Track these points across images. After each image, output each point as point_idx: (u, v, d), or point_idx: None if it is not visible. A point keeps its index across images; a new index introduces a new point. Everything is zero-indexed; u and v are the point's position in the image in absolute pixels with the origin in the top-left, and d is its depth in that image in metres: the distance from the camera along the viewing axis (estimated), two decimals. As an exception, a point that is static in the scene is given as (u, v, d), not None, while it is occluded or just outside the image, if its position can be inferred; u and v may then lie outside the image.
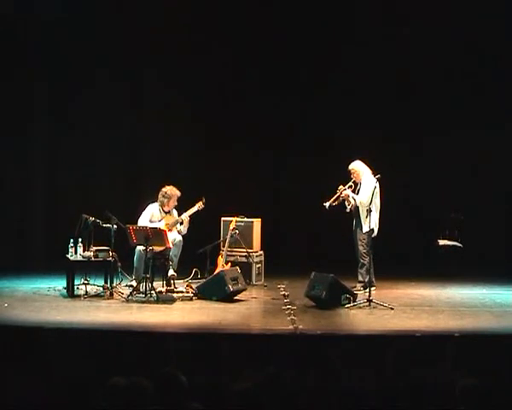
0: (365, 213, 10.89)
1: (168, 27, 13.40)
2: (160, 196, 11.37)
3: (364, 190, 11.09)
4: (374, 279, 11.07)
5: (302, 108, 13.80)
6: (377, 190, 10.87)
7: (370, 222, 10.82)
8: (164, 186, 11.35)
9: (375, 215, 11.01)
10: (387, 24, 13.57)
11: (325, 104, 13.66)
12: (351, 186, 11.24)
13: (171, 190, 11.34)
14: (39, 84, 13.63)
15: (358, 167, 11.27)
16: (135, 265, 11.12)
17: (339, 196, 11.19)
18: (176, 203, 11.41)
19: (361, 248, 11.12)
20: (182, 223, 11.34)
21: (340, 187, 11.19)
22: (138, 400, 5.04)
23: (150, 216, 11.32)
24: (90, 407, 5.23)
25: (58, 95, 13.59)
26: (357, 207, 11.16)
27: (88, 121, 13.64)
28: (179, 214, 11.40)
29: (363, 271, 11.09)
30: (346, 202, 11.24)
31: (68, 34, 13.36)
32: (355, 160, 11.28)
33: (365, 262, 11.04)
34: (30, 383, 5.60)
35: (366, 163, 11.25)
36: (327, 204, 11.15)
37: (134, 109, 13.85)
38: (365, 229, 10.96)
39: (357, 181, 11.26)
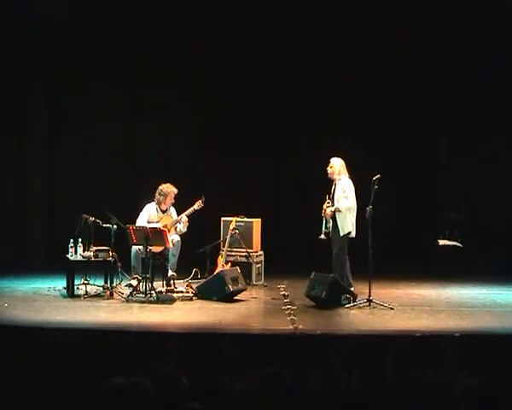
0: (342, 216, 10.67)
1: (167, 28, 13.42)
2: (156, 194, 11.35)
3: (343, 194, 10.73)
4: (352, 281, 10.68)
5: (302, 108, 13.78)
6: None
7: (348, 225, 10.65)
8: (161, 184, 11.35)
9: (353, 217, 10.73)
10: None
11: (325, 104, 13.64)
12: (328, 203, 10.83)
13: (167, 188, 11.32)
14: (39, 84, 13.64)
15: (337, 166, 10.88)
16: (132, 264, 11.14)
17: (325, 218, 10.85)
18: (173, 201, 11.36)
19: (337, 251, 10.78)
20: (180, 222, 11.32)
21: (324, 207, 10.84)
22: (138, 400, 5.04)
23: (147, 216, 11.31)
24: (90, 407, 5.23)
25: (58, 94, 13.59)
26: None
27: (88, 121, 13.63)
28: (179, 214, 11.39)
29: (337, 275, 10.58)
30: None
31: (68, 34, 13.38)
32: (338, 156, 10.94)
33: (342, 266, 10.71)
34: (29, 383, 5.60)
35: (346, 164, 10.90)
36: (322, 236, 10.83)
37: (134, 109, 13.84)
38: (343, 232, 10.70)
39: (329, 176, 10.89)
